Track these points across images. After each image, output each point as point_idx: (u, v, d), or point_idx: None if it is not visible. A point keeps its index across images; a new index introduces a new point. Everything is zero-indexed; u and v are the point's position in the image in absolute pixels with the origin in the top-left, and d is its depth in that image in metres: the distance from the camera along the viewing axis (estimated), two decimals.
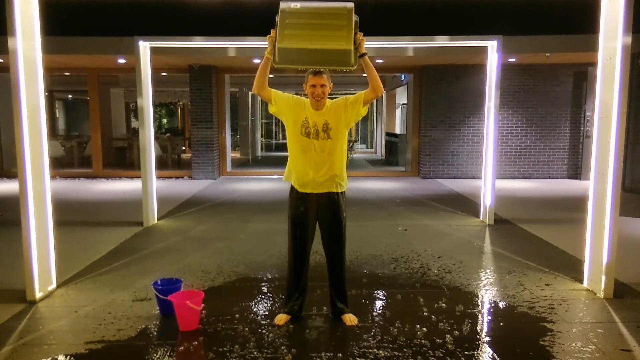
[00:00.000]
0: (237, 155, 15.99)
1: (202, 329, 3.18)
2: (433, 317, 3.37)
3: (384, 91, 3.45)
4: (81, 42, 8.79)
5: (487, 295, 3.83)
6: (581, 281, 4.02)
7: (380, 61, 9.72)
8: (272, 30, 2.92)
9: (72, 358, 2.82)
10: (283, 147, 18.13)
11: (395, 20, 8.42)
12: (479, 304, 3.67)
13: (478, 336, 3.12)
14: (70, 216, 6.71)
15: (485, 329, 3.26)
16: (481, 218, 6.49)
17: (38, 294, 3.63)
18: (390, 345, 2.96)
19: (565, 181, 10.40)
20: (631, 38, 3.52)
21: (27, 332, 3.13)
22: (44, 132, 3.67)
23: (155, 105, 19.06)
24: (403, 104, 15.15)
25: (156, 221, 6.37)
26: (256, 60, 9.35)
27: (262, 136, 19.65)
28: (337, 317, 3.30)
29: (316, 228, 3.28)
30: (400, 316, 3.38)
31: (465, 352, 2.87)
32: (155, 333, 3.15)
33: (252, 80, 3.17)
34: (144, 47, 6.03)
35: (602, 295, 3.72)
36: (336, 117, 3.15)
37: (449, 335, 3.07)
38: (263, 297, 3.78)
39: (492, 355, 2.87)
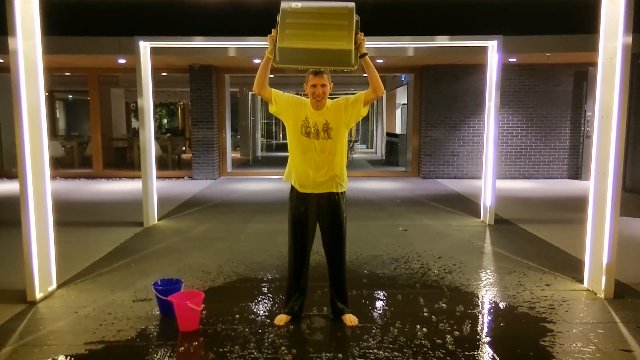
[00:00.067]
0: (237, 155, 15.99)
1: (203, 329, 3.18)
2: (433, 317, 3.37)
3: (385, 91, 3.45)
4: (81, 42, 8.80)
5: (488, 295, 3.83)
6: (581, 281, 4.02)
7: (381, 61, 9.72)
8: (273, 30, 2.92)
9: (72, 358, 2.81)
10: (283, 147, 18.13)
11: (396, 20, 8.42)
12: (479, 304, 3.66)
13: (478, 336, 3.12)
14: (71, 216, 6.71)
15: (485, 329, 3.26)
16: (481, 218, 6.49)
17: (38, 295, 3.63)
18: (391, 346, 2.96)
19: (565, 181, 10.39)
20: (631, 38, 3.51)
21: (28, 333, 3.13)
22: (44, 132, 3.67)
23: (155, 106, 19.06)
24: (403, 104, 15.15)
25: (156, 221, 6.37)
26: (256, 60, 9.35)
27: (262, 136, 19.64)
28: (338, 317, 3.30)
29: (316, 228, 3.28)
30: (401, 316, 3.37)
31: (466, 353, 2.87)
32: (155, 333, 3.15)
33: (253, 80, 3.17)
34: (144, 47, 6.03)
35: (602, 296, 3.72)
36: (336, 117, 3.15)
37: (449, 336, 3.07)
38: (263, 297, 3.78)
39: (492, 355, 2.86)
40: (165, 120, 25.57)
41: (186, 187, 9.59)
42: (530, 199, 8.23)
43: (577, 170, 10.63)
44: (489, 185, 6.28)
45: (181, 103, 21.87)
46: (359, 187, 9.36)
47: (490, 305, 3.65)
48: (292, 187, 3.26)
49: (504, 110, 10.34)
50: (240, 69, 11.13)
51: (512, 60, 9.77)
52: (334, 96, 3.21)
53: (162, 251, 5.06)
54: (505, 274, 4.31)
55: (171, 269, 4.43)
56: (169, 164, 12.93)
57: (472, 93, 10.42)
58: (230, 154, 12.04)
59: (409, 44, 8.11)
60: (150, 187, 6.18)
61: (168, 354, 2.88)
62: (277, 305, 3.58)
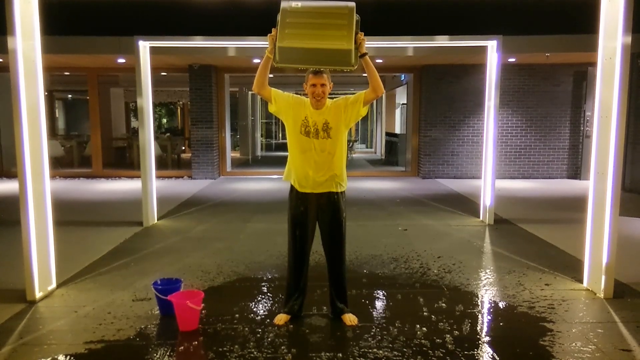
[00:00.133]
0: (237, 155, 15.99)
1: (202, 328, 3.18)
2: (433, 317, 3.37)
3: (384, 91, 3.45)
4: (81, 41, 8.79)
5: (487, 295, 3.83)
6: (581, 281, 4.02)
7: (380, 61, 9.72)
8: (273, 29, 2.92)
9: (72, 358, 2.81)
10: (283, 147, 18.14)
11: (396, 20, 8.43)
12: (479, 303, 3.67)
13: (478, 336, 3.12)
14: (70, 216, 6.71)
15: (485, 328, 3.26)
16: (481, 218, 6.49)
17: (38, 294, 3.63)
18: (390, 345, 2.96)
19: (565, 181, 10.40)
20: (631, 38, 3.52)
21: (27, 332, 3.13)
22: (44, 132, 3.67)
23: (155, 105, 19.05)
24: (403, 104, 15.15)
25: (156, 221, 6.37)
26: (256, 60, 9.35)
27: (262, 136, 19.64)
28: (337, 317, 3.30)
29: (316, 228, 3.28)
30: (400, 316, 3.38)
31: (465, 352, 2.87)
32: (155, 333, 3.15)
33: (252, 80, 3.17)
34: (144, 46, 6.03)
35: (602, 295, 3.72)
36: (336, 116, 3.15)
37: (448, 335, 3.07)
38: (263, 297, 3.78)
39: (492, 355, 2.87)
40: (164, 120, 25.56)
41: (186, 186, 9.59)
42: (530, 199, 8.23)
43: (576, 170, 10.63)
44: (489, 185, 6.29)
45: (181, 103, 21.86)
46: (359, 187, 9.36)
47: (489, 305, 3.65)
48: (292, 187, 3.26)
49: (504, 110, 10.34)
50: (239, 69, 11.13)
51: (512, 60, 9.77)
52: (333, 96, 3.22)
53: (162, 251, 5.06)
54: (505, 273, 4.31)
55: (171, 269, 4.43)
56: (168, 163, 12.93)
57: (471, 93, 10.42)
58: (230, 154, 12.04)
59: (409, 44, 8.11)
60: (149, 186, 6.18)
61: (168, 354, 2.88)
62: (276, 304, 3.58)
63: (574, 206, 7.41)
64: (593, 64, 4.41)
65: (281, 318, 3.27)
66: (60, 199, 8.02)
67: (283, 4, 2.94)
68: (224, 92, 11.13)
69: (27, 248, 3.56)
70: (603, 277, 3.71)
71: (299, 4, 2.94)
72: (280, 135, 23.56)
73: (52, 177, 5.73)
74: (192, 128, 10.76)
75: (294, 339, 3.06)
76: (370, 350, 2.89)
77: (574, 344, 2.98)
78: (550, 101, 10.51)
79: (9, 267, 4.40)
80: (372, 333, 3.13)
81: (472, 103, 10.47)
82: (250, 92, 15.82)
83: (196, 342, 3.00)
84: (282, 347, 2.92)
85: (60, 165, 11.75)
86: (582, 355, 2.83)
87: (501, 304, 3.63)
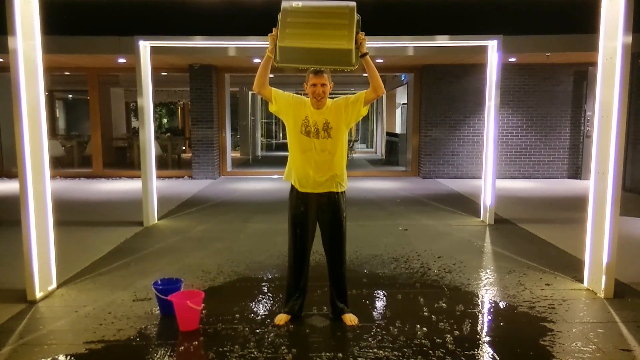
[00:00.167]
0: (237, 155, 15.99)
1: (202, 328, 3.18)
2: (433, 317, 3.37)
3: (385, 91, 3.45)
4: (81, 41, 8.80)
5: (488, 295, 3.83)
6: (581, 281, 4.02)
7: (381, 61, 9.72)
8: (273, 29, 2.92)
9: (72, 358, 2.81)
10: (283, 146, 18.14)
11: (396, 20, 8.42)
12: (479, 303, 3.67)
13: (478, 336, 3.12)
14: (71, 216, 6.71)
15: (485, 328, 3.26)
16: (481, 218, 6.49)
17: (38, 294, 3.63)
18: (391, 345, 2.96)
19: (565, 181, 10.40)
20: (631, 38, 3.51)
21: (28, 332, 3.13)
22: (44, 132, 3.67)
23: (155, 105, 19.08)
24: (403, 104, 15.15)
25: (156, 221, 6.37)
26: (256, 60, 9.35)
27: (262, 136, 19.65)
28: (337, 317, 3.30)
29: (316, 228, 3.28)
30: (401, 316, 3.37)
31: (466, 352, 2.87)
32: (155, 333, 3.15)
33: (252, 79, 3.17)
34: (144, 46, 6.03)
35: (602, 295, 3.72)
36: (337, 116, 3.15)
37: (449, 335, 3.07)
38: (263, 297, 3.78)
39: (492, 355, 2.87)
40: (165, 120, 25.56)
41: (186, 186, 9.59)
42: (530, 199, 8.23)
43: (577, 170, 10.63)
44: (489, 184, 6.28)
45: (181, 102, 21.86)
46: (359, 187, 9.36)
47: (490, 305, 3.65)
48: (292, 187, 3.26)
49: (504, 110, 10.34)
50: (240, 69, 11.13)
51: (512, 60, 9.77)
52: (334, 96, 3.22)
53: (162, 251, 5.06)
54: (505, 273, 4.31)
55: (171, 269, 4.43)
56: (168, 163, 12.93)
57: (472, 93, 10.42)
58: (230, 154, 12.04)
59: (409, 44, 8.11)
60: (150, 186, 6.18)
61: (168, 354, 2.88)
62: (277, 304, 3.58)
63: (575, 206, 7.41)
64: (593, 64, 4.41)
65: (281, 318, 3.27)
66: (60, 199, 8.03)
67: (284, 4, 2.94)
68: (224, 92, 11.13)
69: (27, 248, 3.56)
70: (603, 277, 3.70)
71: (300, 3, 2.94)
72: (281, 135, 23.57)
73: (53, 177, 5.73)
74: (192, 128, 10.76)
75: (294, 339, 3.06)
76: (370, 350, 2.89)
77: (574, 344, 2.98)
78: (551, 101, 10.51)
79: (9, 267, 4.41)
80: (372, 333, 3.13)
81: (473, 103, 10.47)
82: (250, 92, 15.83)
83: (196, 342, 3.00)
84: (283, 347, 2.91)
85: (61, 165, 11.76)
86: (583, 355, 2.83)
87: (501, 304, 3.63)
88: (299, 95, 3.26)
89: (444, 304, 3.59)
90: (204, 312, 3.34)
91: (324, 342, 3.04)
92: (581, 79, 10.36)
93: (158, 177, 6.95)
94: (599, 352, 2.86)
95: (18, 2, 3.39)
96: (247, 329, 3.18)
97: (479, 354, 2.87)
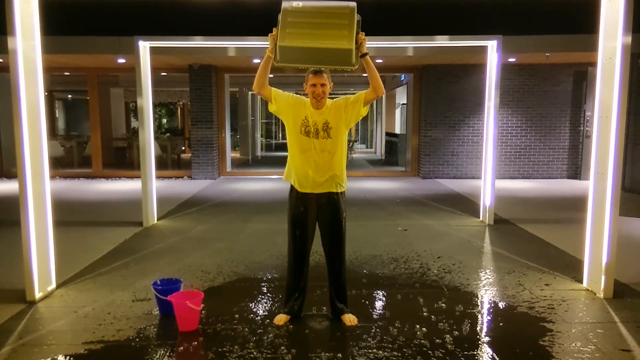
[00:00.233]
0: (237, 155, 15.99)
1: (202, 329, 3.18)
2: (433, 317, 3.37)
3: (385, 91, 3.45)
4: (81, 42, 8.80)
5: (487, 295, 3.83)
6: (581, 281, 4.02)
7: (380, 61, 9.72)
8: (274, 29, 2.93)
9: (71, 358, 2.81)
10: (283, 147, 18.14)
11: (396, 20, 8.43)
12: (479, 304, 3.66)
13: (478, 336, 3.12)
14: (70, 216, 6.71)
15: (485, 329, 3.26)
16: (481, 218, 6.49)
17: (38, 294, 3.63)
18: (390, 346, 2.96)
19: (565, 181, 10.40)
20: (631, 38, 3.51)
21: (27, 332, 3.13)
22: (44, 132, 3.67)
23: (155, 105, 19.05)
24: (403, 104, 15.15)
25: (156, 221, 6.37)
26: (256, 60, 9.35)
27: (262, 136, 19.65)
28: (337, 317, 3.30)
29: (316, 228, 3.28)
30: (400, 316, 3.37)
31: (465, 352, 2.87)
32: (154, 333, 3.15)
33: (252, 80, 3.17)
34: (144, 46, 6.03)
35: (601, 295, 3.72)
36: (336, 116, 3.15)
37: (448, 335, 3.07)
38: (263, 297, 3.78)
39: (491, 355, 2.87)
40: (164, 120, 25.56)
41: (185, 186, 9.59)
42: (530, 199, 8.23)
43: (576, 170, 10.63)
44: (489, 185, 6.29)
45: (181, 103, 21.86)
46: (359, 187, 9.36)
47: (489, 305, 3.65)
48: (292, 187, 3.26)
49: (504, 110, 10.34)
50: (239, 69, 11.13)
51: (512, 60, 9.77)
52: (333, 96, 3.22)
53: (162, 251, 5.05)
54: (505, 273, 4.31)
55: (170, 269, 4.43)
56: (168, 163, 12.93)
57: (471, 93, 10.42)
58: (230, 154, 12.04)
59: (409, 44, 8.11)
60: (149, 186, 6.18)
61: (167, 354, 2.88)
62: (276, 305, 3.58)
63: (574, 206, 7.41)
64: (593, 64, 4.41)
65: (281, 318, 3.27)
66: (60, 199, 8.02)
67: (284, 4, 2.94)
68: (224, 92, 11.13)
69: (27, 248, 3.56)
70: (603, 277, 3.70)
71: (300, 3, 2.94)
72: (280, 135, 23.56)
73: (52, 177, 5.74)
74: (192, 128, 10.76)
75: (294, 339, 3.06)
76: (370, 351, 2.89)
77: (573, 344, 2.98)
78: (550, 101, 10.51)
79: (9, 267, 4.40)
80: (372, 333, 3.13)
81: (472, 103, 10.47)
82: (250, 92, 15.83)
83: (196, 343, 3.00)
84: (282, 348, 2.91)
85: (60, 165, 11.75)
86: (582, 356, 2.83)
87: (501, 304, 3.63)
88: (299, 96, 3.26)
89: (443, 304, 3.59)
90: (203, 312, 3.34)
91: (323, 343, 3.04)
92: (581, 79, 10.37)
93: (158, 177, 6.95)
94: (599, 352, 2.86)
95: (18, 2, 3.39)
96: (246, 329, 3.18)
97: (479, 354, 2.87)
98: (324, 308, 3.47)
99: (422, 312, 3.46)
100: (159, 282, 3.57)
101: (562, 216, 6.89)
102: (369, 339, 3.05)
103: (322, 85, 3.09)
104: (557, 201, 8.09)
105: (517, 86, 10.46)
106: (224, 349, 2.91)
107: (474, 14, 8.39)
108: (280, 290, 3.77)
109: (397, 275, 4.27)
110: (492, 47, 6.18)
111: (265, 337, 3.06)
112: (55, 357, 2.82)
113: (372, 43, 5.85)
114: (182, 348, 2.95)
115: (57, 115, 19.63)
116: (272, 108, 3.23)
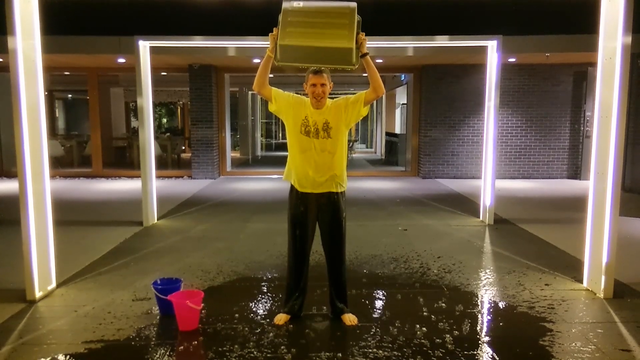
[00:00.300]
0: (237, 155, 15.99)
1: (202, 328, 3.18)
2: (433, 317, 3.37)
3: (385, 91, 3.45)
4: (81, 41, 8.79)
5: (487, 295, 3.83)
6: (581, 281, 4.02)
7: (380, 61, 9.72)
8: (274, 28, 2.93)
9: (71, 357, 2.81)
10: (283, 146, 18.14)
11: (396, 20, 8.42)
12: (479, 303, 3.67)
13: (478, 336, 3.12)
14: (70, 216, 6.71)
15: (485, 328, 3.26)
16: (481, 218, 6.49)
17: (38, 294, 3.63)
18: (390, 345, 2.96)
19: (565, 181, 10.40)
20: (631, 38, 3.51)
21: (27, 332, 3.13)
22: (44, 132, 3.67)
23: (155, 105, 19.05)
24: (403, 104, 15.15)
25: (156, 221, 6.37)
26: (256, 60, 9.35)
27: (262, 136, 19.65)
28: (337, 317, 3.30)
29: (316, 228, 3.28)
30: (400, 316, 3.37)
31: (465, 352, 2.87)
32: (155, 333, 3.15)
33: (252, 79, 3.17)
34: (144, 46, 6.03)
35: (601, 295, 3.72)
36: (336, 116, 3.15)
37: (448, 335, 3.07)
38: (263, 296, 3.78)
39: (491, 355, 2.87)
40: (164, 120, 25.56)
41: (186, 186, 9.59)
42: (530, 199, 8.23)
43: (576, 170, 10.63)
44: (489, 185, 6.29)
45: (181, 102, 21.86)
46: (359, 187, 9.36)
47: (489, 305, 3.65)
48: (292, 187, 3.26)
49: (504, 110, 10.34)
50: (239, 69, 11.13)
51: (512, 60, 9.77)
52: (333, 96, 3.22)
53: (162, 250, 5.06)
54: (505, 273, 4.31)
55: (171, 269, 4.43)
56: (168, 163, 12.93)
57: (471, 93, 10.42)
58: (230, 154, 12.04)
59: (409, 44, 8.11)
60: (149, 186, 6.18)
61: (167, 353, 2.88)
62: (276, 304, 3.58)
63: (574, 206, 7.41)
64: (593, 64, 4.41)
65: (281, 318, 3.27)
66: (60, 198, 8.02)
67: (285, 4, 2.95)
68: (224, 92, 11.13)
69: (27, 248, 3.56)
70: (603, 277, 3.71)
71: (301, 4, 2.95)
72: (280, 135, 23.57)
73: (52, 176, 5.73)
74: (192, 128, 10.76)
75: (294, 339, 3.06)
76: (370, 350, 2.89)
77: (573, 344, 2.98)
78: (550, 101, 10.51)
79: (9, 267, 4.40)
80: (372, 333, 3.13)
81: (472, 103, 10.47)
82: (250, 92, 15.83)
83: (196, 342, 3.00)
84: (282, 347, 2.91)
85: (60, 165, 11.75)
86: (582, 355, 2.83)
87: (501, 304, 3.63)
88: (299, 95, 3.26)
89: (443, 304, 3.59)
90: (203, 311, 3.34)
91: (323, 342, 3.04)
92: (581, 79, 10.37)
93: (158, 177, 6.95)
94: (599, 352, 2.87)
95: (18, 2, 3.39)
96: (246, 328, 3.18)
97: (479, 354, 2.87)
98: (324, 308, 3.47)
99: (422, 311, 3.46)
100: (159, 282, 3.57)
101: (562, 216, 6.89)
102: (369, 338, 3.05)
103: (322, 85, 3.09)
104: (557, 201, 8.09)
105: (517, 86, 10.46)
106: (224, 348, 2.91)
107: (474, 14, 8.39)
108: (280, 289, 3.77)
109: (397, 275, 4.27)
110: (492, 47, 6.18)
111: (265, 337, 3.06)
112: (56, 356, 2.83)
113: (372, 43, 5.85)
114: (182, 347, 2.95)
115: (57, 115, 19.63)
116: (272, 108, 3.23)
